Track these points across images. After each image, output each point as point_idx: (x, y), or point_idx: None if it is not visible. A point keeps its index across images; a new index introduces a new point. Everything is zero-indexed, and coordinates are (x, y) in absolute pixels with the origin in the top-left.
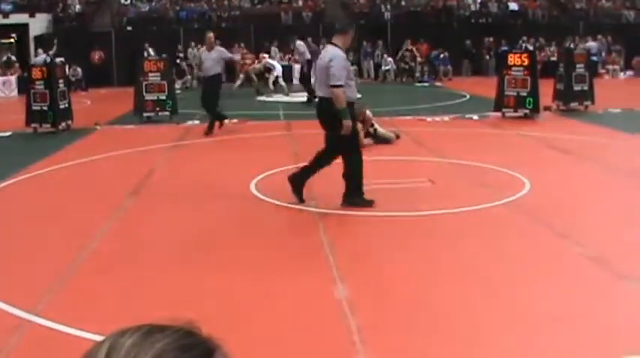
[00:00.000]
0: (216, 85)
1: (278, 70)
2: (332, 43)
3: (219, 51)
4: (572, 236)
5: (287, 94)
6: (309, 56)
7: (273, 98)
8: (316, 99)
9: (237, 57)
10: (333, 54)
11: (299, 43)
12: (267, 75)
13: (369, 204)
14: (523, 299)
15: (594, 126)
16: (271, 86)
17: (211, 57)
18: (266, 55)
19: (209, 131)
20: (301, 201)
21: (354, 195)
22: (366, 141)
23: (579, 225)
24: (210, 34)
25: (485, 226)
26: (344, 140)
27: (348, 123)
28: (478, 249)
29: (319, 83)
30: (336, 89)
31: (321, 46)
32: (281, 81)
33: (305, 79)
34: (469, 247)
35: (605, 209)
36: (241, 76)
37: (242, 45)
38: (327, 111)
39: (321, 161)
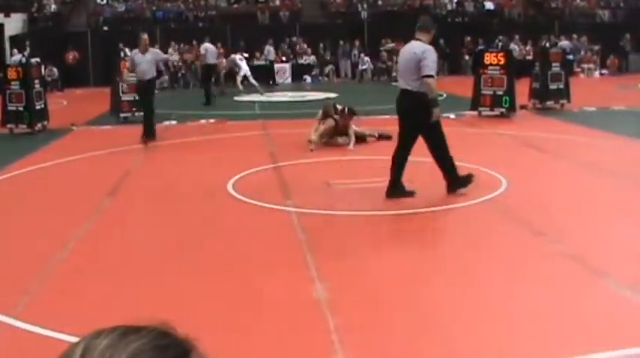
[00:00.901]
0: (153, 90)
1: (244, 70)
2: (416, 39)
3: (154, 52)
4: (549, 234)
5: (262, 94)
6: (212, 61)
7: (249, 98)
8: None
9: (174, 57)
10: (424, 47)
11: (207, 45)
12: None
13: (470, 180)
14: (501, 297)
15: (570, 124)
16: (240, 86)
17: (146, 59)
18: (237, 55)
19: (149, 137)
20: (410, 193)
21: (456, 177)
22: (341, 139)
23: (556, 223)
24: (145, 36)
25: (463, 225)
26: (431, 127)
27: (437, 111)
28: (456, 248)
29: (404, 77)
30: (429, 79)
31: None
32: (252, 80)
33: (205, 80)
34: (447, 246)
35: (582, 207)
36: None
37: (219, 45)
38: (411, 103)
39: (401, 158)
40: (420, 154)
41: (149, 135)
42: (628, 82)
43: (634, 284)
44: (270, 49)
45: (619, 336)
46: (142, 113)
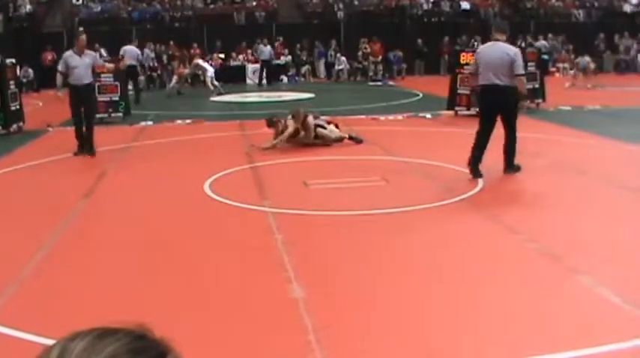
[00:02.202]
0: (91, 97)
1: (210, 72)
2: (496, 40)
3: (92, 56)
4: (524, 232)
5: (223, 93)
6: (131, 62)
7: (226, 98)
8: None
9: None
10: (515, 49)
11: (127, 47)
12: (201, 77)
13: (519, 168)
14: (476, 295)
15: (546, 123)
16: (210, 86)
17: (84, 62)
18: (199, 61)
19: (89, 150)
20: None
21: (513, 163)
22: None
23: (531, 222)
24: (84, 36)
25: (439, 224)
26: (513, 115)
27: (525, 102)
28: (432, 247)
29: (496, 73)
30: (523, 76)
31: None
32: (214, 81)
33: (135, 82)
34: (424, 245)
35: (557, 205)
36: (175, 77)
37: (195, 45)
38: (509, 97)
39: (512, 138)
40: (382, 154)
41: (88, 150)
42: (602, 81)
43: (610, 282)
44: (263, 49)
45: (595, 334)
46: (119, 114)
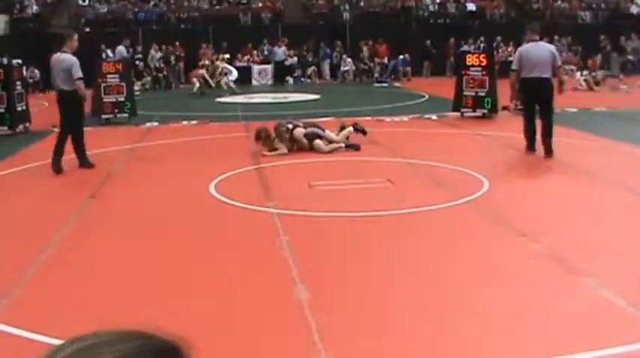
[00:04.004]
0: (77, 103)
1: (234, 74)
2: (536, 39)
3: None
4: (529, 234)
5: (238, 93)
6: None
7: (232, 99)
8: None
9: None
10: (553, 46)
11: (120, 47)
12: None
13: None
14: (481, 297)
15: None
16: (224, 86)
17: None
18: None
19: (58, 167)
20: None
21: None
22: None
23: (537, 224)
24: (76, 36)
25: (445, 226)
26: (552, 101)
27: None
28: (437, 249)
29: (542, 69)
30: (561, 67)
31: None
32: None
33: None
34: (428, 247)
35: (563, 208)
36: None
37: (204, 46)
38: (549, 86)
39: (549, 115)
40: (387, 155)
41: (84, 163)
42: (609, 83)
43: (614, 284)
44: (277, 51)
45: (599, 337)
46: (124, 114)
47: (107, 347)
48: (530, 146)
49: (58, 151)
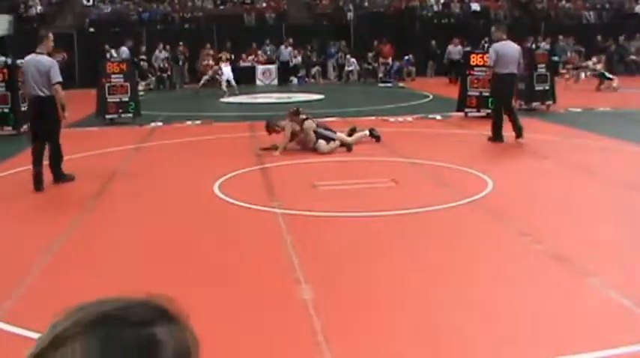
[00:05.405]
0: (52, 111)
1: (226, 74)
2: (505, 39)
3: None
4: (533, 234)
5: (237, 94)
6: None
7: (236, 99)
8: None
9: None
10: (516, 45)
11: (123, 48)
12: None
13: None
14: (486, 297)
15: (556, 125)
16: (224, 88)
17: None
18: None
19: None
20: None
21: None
22: (332, 144)
23: (541, 224)
24: (51, 35)
25: (448, 226)
26: None
27: None
28: (441, 249)
29: (513, 65)
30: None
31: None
32: (232, 82)
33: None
34: (432, 247)
35: (567, 208)
36: (205, 77)
37: (208, 46)
38: (515, 80)
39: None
40: (391, 155)
41: (58, 177)
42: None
43: (618, 284)
44: (283, 51)
45: (604, 337)
46: (129, 114)
47: (112, 301)
48: (500, 136)
49: (56, 161)
